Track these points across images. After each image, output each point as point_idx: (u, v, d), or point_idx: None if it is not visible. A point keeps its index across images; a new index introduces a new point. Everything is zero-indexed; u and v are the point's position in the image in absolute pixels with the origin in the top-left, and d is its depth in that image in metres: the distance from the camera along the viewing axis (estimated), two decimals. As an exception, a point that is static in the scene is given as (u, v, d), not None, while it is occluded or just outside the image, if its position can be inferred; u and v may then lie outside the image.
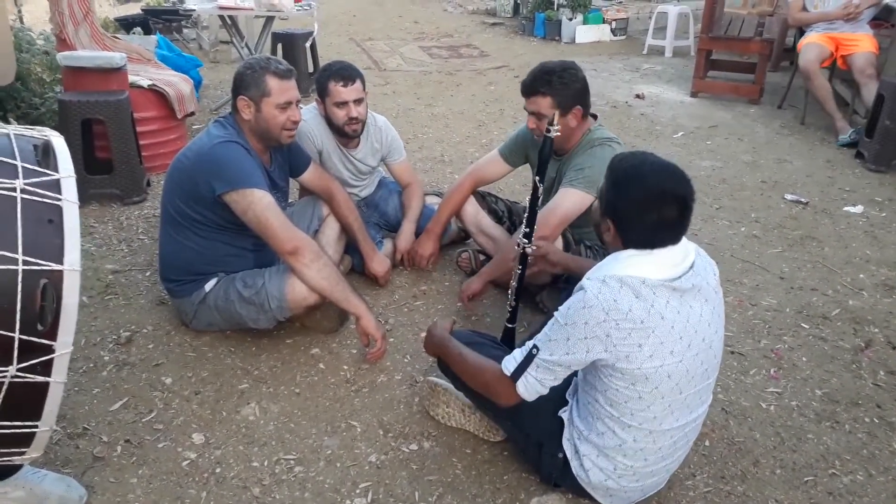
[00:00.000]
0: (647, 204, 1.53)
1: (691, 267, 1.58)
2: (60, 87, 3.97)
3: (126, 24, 6.78)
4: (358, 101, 2.75)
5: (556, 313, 1.60)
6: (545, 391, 1.64)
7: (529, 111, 2.47)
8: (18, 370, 1.32)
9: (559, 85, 2.41)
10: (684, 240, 1.60)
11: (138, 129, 3.61)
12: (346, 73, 2.72)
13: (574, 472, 1.72)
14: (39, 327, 1.32)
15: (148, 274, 2.88)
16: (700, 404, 1.68)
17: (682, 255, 1.58)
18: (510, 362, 1.66)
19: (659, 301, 1.51)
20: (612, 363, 1.55)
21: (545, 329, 1.62)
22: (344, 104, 2.73)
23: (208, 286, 2.38)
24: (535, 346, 1.61)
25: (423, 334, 2.24)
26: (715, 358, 1.65)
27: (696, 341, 1.57)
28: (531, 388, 1.63)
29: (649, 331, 1.50)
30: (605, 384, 1.60)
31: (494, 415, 1.96)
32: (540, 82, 2.42)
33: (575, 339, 1.54)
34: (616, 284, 1.52)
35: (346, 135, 2.82)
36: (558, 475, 1.78)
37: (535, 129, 2.47)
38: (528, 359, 1.61)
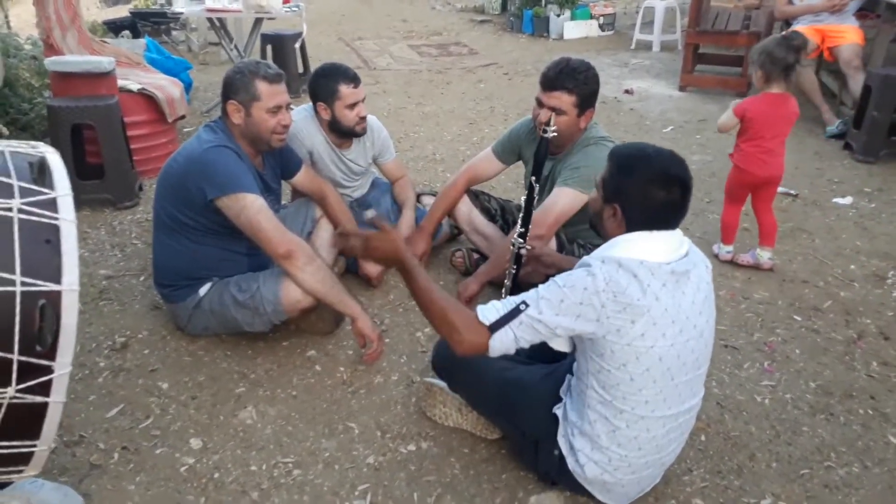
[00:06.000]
0: (654, 184, 1.59)
1: (686, 255, 1.63)
2: (49, 92, 3.94)
3: (114, 28, 6.74)
4: (363, 100, 2.81)
5: (553, 278, 1.60)
6: (512, 351, 1.61)
7: (549, 105, 2.40)
8: (17, 391, 1.31)
9: (583, 84, 2.39)
10: (680, 230, 1.65)
11: (129, 133, 3.59)
12: (353, 74, 2.78)
13: (570, 468, 1.73)
14: (38, 348, 1.31)
15: (142, 279, 2.88)
16: (692, 396, 1.69)
17: (678, 242, 1.63)
18: (490, 312, 1.59)
19: (655, 283, 1.54)
20: (601, 335, 1.56)
21: (538, 289, 1.59)
22: (355, 105, 2.77)
23: (203, 291, 2.37)
24: (523, 302, 1.57)
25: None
26: (706, 348, 1.67)
27: (688, 328, 1.59)
28: (506, 343, 1.58)
29: (644, 309, 1.53)
30: (598, 365, 1.61)
31: (489, 413, 1.96)
32: (568, 79, 2.38)
33: (569, 303, 1.54)
34: (614, 265, 1.55)
35: (357, 134, 2.87)
36: (555, 472, 1.79)
37: (541, 124, 2.39)
38: (514, 313, 1.57)
